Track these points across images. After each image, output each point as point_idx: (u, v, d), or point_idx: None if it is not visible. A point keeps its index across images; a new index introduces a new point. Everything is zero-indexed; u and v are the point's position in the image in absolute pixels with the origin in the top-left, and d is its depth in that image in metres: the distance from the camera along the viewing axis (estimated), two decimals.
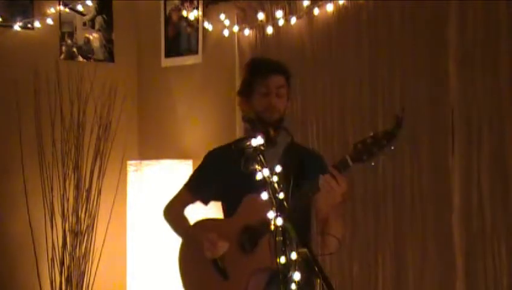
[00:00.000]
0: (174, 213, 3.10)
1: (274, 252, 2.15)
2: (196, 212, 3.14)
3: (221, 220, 3.00)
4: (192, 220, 3.06)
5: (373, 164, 2.50)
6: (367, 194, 3.72)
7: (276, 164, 2.24)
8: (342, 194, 2.53)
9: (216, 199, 3.06)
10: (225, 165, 2.89)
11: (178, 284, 4.48)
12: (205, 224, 2.99)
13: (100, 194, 4.60)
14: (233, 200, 2.85)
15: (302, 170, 2.75)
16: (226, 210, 3.01)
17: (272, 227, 2.16)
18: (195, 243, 2.89)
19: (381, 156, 2.48)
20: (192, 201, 3.07)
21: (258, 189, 2.20)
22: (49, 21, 4.68)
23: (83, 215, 4.54)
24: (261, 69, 2.90)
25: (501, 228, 3.29)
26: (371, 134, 2.48)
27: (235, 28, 4.41)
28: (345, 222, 2.80)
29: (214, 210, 3.17)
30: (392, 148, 2.46)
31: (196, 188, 3.05)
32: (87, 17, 4.89)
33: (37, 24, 4.64)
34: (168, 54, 4.87)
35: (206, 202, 3.07)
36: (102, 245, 4.60)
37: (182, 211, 3.07)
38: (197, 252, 2.85)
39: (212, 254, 2.78)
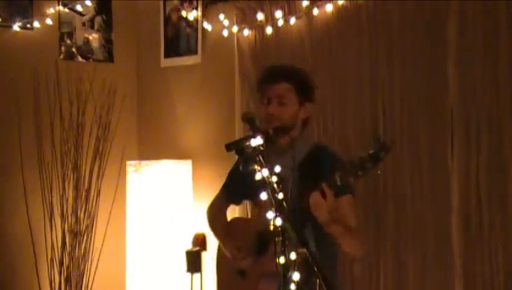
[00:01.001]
0: (212, 216, 3.25)
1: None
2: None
3: (248, 221, 3.14)
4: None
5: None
6: (367, 194, 3.71)
7: (276, 165, 2.24)
8: (328, 212, 2.52)
9: (247, 199, 3.18)
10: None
11: (177, 284, 4.50)
12: (236, 224, 3.15)
13: (99, 194, 4.60)
14: (257, 201, 2.88)
15: (318, 174, 2.75)
16: (257, 210, 3.06)
17: (272, 227, 2.16)
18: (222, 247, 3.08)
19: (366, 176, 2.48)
20: (227, 205, 3.24)
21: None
22: (49, 21, 4.68)
23: (82, 216, 4.54)
24: (263, 78, 2.92)
25: (499, 228, 3.29)
26: (360, 155, 2.47)
27: (235, 28, 4.41)
28: (354, 235, 2.76)
29: None
30: (379, 172, 2.46)
31: (228, 193, 3.19)
32: (86, 17, 4.89)
33: (36, 24, 4.64)
34: (168, 54, 4.87)
35: (237, 204, 3.27)
36: (102, 245, 4.60)
37: (219, 213, 3.22)
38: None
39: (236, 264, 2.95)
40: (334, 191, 2.52)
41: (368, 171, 2.42)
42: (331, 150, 3.02)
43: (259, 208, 2.89)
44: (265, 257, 2.76)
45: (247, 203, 3.47)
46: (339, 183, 2.50)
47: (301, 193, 2.56)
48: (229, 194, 3.17)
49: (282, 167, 2.28)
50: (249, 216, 3.59)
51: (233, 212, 3.33)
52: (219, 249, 3.15)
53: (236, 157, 3.02)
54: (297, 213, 2.52)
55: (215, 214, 3.23)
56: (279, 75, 2.89)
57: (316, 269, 2.06)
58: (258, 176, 2.23)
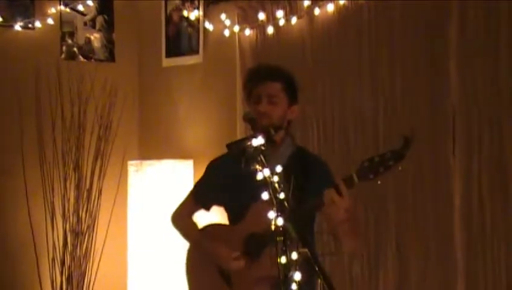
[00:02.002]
0: (181, 221, 3.12)
1: (276, 261, 2.15)
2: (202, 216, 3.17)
3: (228, 227, 3.00)
4: (200, 224, 3.10)
5: (379, 182, 2.49)
6: (368, 194, 3.71)
7: (277, 165, 2.24)
8: (346, 210, 2.51)
9: (219, 205, 3.07)
10: (227, 173, 2.90)
11: (178, 284, 4.49)
12: (213, 230, 3.02)
13: (101, 194, 4.60)
14: (237, 207, 2.86)
15: (306, 174, 2.75)
16: (229, 217, 3.02)
17: (273, 227, 2.16)
18: (204, 250, 2.94)
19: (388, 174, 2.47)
20: (197, 209, 3.10)
21: (261, 196, 2.21)
22: (50, 21, 4.68)
23: (83, 216, 4.54)
24: (253, 77, 2.91)
25: (501, 228, 3.29)
26: (380, 153, 2.47)
27: (236, 28, 4.41)
28: (356, 238, 2.77)
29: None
30: (400, 168, 2.45)
31: (200, 197, 3.07)
32: (87, 17, 4.89)
33: (37, 24, 4.64)
34: (169, 54, 4.87)
35: (208, 209, 3.09)
36: (103, 245, 4.60)
37: (189, 218, 3.10)
38: (204, 257, 2.91)
39: (227, 268, 2.83)
40: (351, 189, 2.50)
41: (390, 168, 2.43)
42: (314, 153, 3.07)
43: (239, 214, 2.86)
44: (258, 261, 2.73)
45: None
46: (356, 181, 2.50)
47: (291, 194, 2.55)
48: (200, 197, 3.06)
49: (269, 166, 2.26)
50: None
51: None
52: (190, 257, 3.06)
53: (211, 162, 3.05)
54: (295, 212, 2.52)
55: (184, 217, 3.10)
56: (270, 74, 2.88)
57: (317, 268, 2.06)
58: (259, 176, 2.23)
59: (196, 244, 3.04)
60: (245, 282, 2.78)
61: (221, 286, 2.85)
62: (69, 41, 4.83)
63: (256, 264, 2.75)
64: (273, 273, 2.50)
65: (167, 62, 4.89)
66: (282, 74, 2.89)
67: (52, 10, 4.70)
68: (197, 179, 4.53)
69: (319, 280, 2.05)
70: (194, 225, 3.08)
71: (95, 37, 4.94)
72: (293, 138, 2.93)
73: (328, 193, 2.51)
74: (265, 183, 2.20)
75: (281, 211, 2.15)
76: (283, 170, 2.66)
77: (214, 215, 3.15)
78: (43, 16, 4.66)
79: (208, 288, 2.97)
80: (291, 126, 2.93)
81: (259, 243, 2.72)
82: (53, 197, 4.50)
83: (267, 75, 2.87)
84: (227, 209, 3.02)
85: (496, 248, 3.29)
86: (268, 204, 2.18)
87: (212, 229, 3.03)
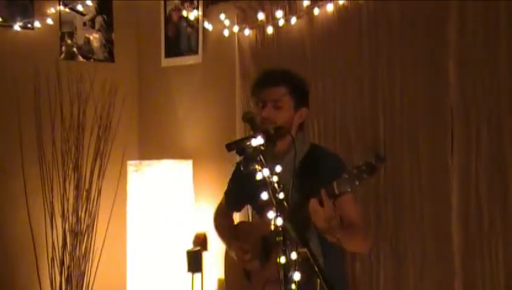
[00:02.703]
0: (218, 220, 3.27)
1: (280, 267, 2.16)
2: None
3: (252, 225, 3.15)
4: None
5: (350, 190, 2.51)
6: (367, 193, 3.71)
7: (277, 165, 2.24)
8: (325, 220, 2.51)
9: (246, 204, 3.22)
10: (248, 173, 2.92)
11: (178, 284, 4.50)
12: (241, 228, 3.15)
13: (100, 194, 4.60)
14: (257, 206, 2.90)
15: (317, 176, 2.75)
16: (256, 214, 3.10)
17: (272, 227, 2.16)
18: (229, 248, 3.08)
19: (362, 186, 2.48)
20: (230, 212, 3.26)
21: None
22: (49, 21, 4.68)
23: (83, 216, 4.54)
24: (257, 82, 2.93)
25: (499, 227, 3.29)
26: (357, 165, 2.46)
27: (235, 28, 4.41)
28: (354, 236, 2.78)
29: None
30: (372, 181, 2.47)
31: (229, 202, 3.22)
32: (87, 17, 4.89)
33: (37, 24, 4.65)
34: (168, 54, 4.87)
35: (238, 210, 3.28)
36: (102, 245, 4.60)
37: (225, 217, 3.23)
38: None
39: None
40: (332, 198, 2.51)
41: (365, 180, 2.43)
42: (327, 149, 3.06)
43: (260, 212, 2.90)
44: (270, 263, 2.76)
45: (248, 208, 3.47)
46: (337, 192, 2.50)
47: (306, 195, 2.55)
48: (229, 201, 3.20)
49: (283, 169, 2.27)
50: (251, 220, 3.60)
51: (235, 215, 3.33)
52: (227, 252, 3.15)
53: (235, 164, 3.07)
54: (303, 217, 2.53)
55: (220, 217, 3.25)
56: (275, 78, 2.88)
57: (316, 268, 2.06)
58: (258, 176, 2.23)
59: (225, 244, 3.14)
60: (259, 280, 2.85)
61: (242, 280, 2.97)
62: (69, 41, 4.83)
63: (268, 265, 2.79)
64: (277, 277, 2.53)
65: (166, 62, 4.90)
66: (287, 78, 2.89)
67: (52, 10, 4.71)
68: (197, 179, 4.59)
69: (319, 280, 2.05)
70: (229, 226, 3.19)
71: (95, 37, 4.94)
72: (306, 136, 2.94)
73: (312, 202, 2.52)
74: (265, 184, 2.21)
75: (280, 211, 2.15)
76: (298, 171, 2.68)
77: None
78: (43, 16, 4.67)
79: (236, 283, 3.09)
80: (303, 128, 2.97)
81: (269, 244, 2.74)
82: (52, 197, 4.50)
83: (271, 80, 2.88)
84: (253, 208, 3.14)
85: (493, 247, 3.29)
86: (263, 197, 2.20)
87: (241, 227, 3.17)
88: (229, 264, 3.13)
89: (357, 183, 2.44)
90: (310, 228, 2.67)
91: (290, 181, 2.56)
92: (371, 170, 2.42)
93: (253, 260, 2.87)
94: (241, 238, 3.01)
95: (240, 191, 3.03)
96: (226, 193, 3.22)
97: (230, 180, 3.17)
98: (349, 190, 2.47)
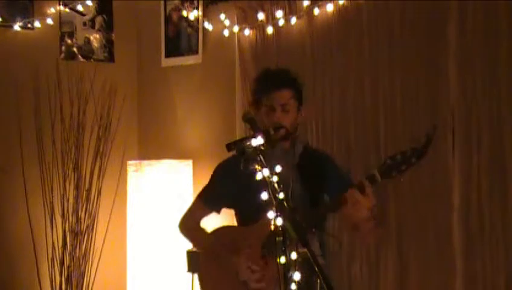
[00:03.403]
0: (189, 227, 3.11)
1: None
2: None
3: (242, 229, 3.00)
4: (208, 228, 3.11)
5: (402, 179, 2.51)
6: None
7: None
8: (369, 209, 2.52)
9: (230, 208, 3.08)
10: (236, 175, 2.90)
11: (178, 284, 4.50)
12: (226, 233, 3.01)
13: (100, 194, 4.60)
14: (249, 209, 2.85)
15: (317, 174, 2.75)
16: (240, 218, 3.03)
17: (272, 227, 2.16)
18: (219, 255, 2.93)
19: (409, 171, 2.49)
20: (207, 213, 3.10)
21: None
22: (49, 21, 4.68)
23: (83, 215, 4.54)
24: (266, 84, 2.90)
25: (500, 227, 3.29)
26: (401, 150, 2.49)
27: (235, 28, 4.41)
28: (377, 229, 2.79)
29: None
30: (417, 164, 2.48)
31: (210, 201, 3.07)
32: (87, 17, 4.89)
33: (37, 24, 4.64)
34: (168, 54, 4.87)
35: (218, 211, 3.09)
36: (102, 245, 4.60)
37: (197, 224, 3.09)
38: (218, 260, 2.92)
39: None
40: (373, 187, 2.52)
41: (412, 165, 2.44)
42: (317, 149, 3.12)
43: (248, 215, 2.87)
44: (275, 262, 2.74)
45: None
46: (379, 179, 2.51)
47: (310, 193, 2.56)
48: (212, 201, 3.06)
49: (283, 167, 2.27)
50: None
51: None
52: (202, 263, 3.07)
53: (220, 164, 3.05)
54: (307, 215, 2.52)
55: (193, 223, 3.09)
56: (281, 81, 2.88)
57: (316, 268, 2.06)
58: (258, 176, 2.23)
59: (209, 250, 3.03)
60: (267, 283, 2.78)
61: (240, 287, 2.85)
62: (69, 41, 4.83)
63: (271, 266, 2.75)
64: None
65: (166, 62, 4.89)
66: (290, 80, 2.90)
67: (52, 10, 4.70)
68: (197, 179, 4.58)
69: (318, 280, 2.05)
70: (203, 230, 3.08)
71: (95, 37, 4.94)
72: (303, 135, 2.94)
73: (351, 193, 2.52)
74: (265, 183, 2.21)
75: (280, 211, 2.15)
76: (298, 170, 2.67)
77: (220, 218, 3.15)
78: (43, 16, 4.66)
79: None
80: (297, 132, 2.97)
81: (272, 247, 2.72)
82: (52, 197, 4.49)
83: (278, 84, 2.87)
84: (238, 211, 3.03)
85: (494, 247, 3.29)
86: (263, 197, 2.19)
87: (225, 231, 3.03)
88: (211, 273, 3.00)
89: (404, 168, 2.46)
90: (323, 224, 2.68)
91: (290, 180, 2.57)
92: (419, 155, 2.46)
93: (261, 280, 2.77)
94: (224, 242, 2.92)
95: (226, 193, 2.99)
96: (207, 193, 3.10)
97: (216, 179, 3.08)
98: (394, 174, 2.48)
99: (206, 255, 3.07)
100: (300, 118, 2.91)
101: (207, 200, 3.08)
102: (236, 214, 3.05)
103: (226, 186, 3.00)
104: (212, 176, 3.10)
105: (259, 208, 2.76)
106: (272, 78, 2.93)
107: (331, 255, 2.84)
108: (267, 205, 2.70)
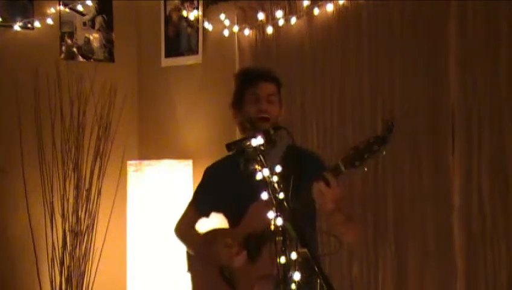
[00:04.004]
0: (184, 232, 3.14)
1: (275, 259, 2.15)
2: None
3: (228, 230, 3.01)
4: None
5: (365, 169, 2.50)
6: (367, 193, 3.71)
7: (276, 165, 2.24)
8: (334, 201, 2.51)
9: (217, 212, 3.07)
10: (224, 178, 2.92)
11: (178, 285, 4.50)
12: (214, 234, 3.02)
13: (100, 194, 4.60)
14: (235, 211, 2.87)
15: (302, 171, 2.75)
16: (229, 221, 3.03)
17: (272, 227, 2.16)
18: (205, 254, 2.93)
19: (373, 160, 2.47)
20: (198, 218, 3.11)
21: (259, 197, 2.20)
22: (49, 21, 4.68)
23: (83, 216, 4.54)
24: (250, 77, 2.93)
25: (501, 227, 3.29)
26: (363, 140, 2.48)
27: (235, 28, 4.41)
28: (355, 225, 2.78)
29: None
30: (384, 153, 2.45)
31: (199, 206, 3.09)
32: (87, 17, 4.89)
33: (37, 24, 4.64)
34: (168, 54, 4.87)
35: (208, 216, 3.10)
36: (102, 245, 4.60)
37: (191, 228, 3.11)
38: (205, 261, 2.92)
39: (229, 263, 2.82)
40: (338, 178, 2.51)
41: (375, 153, 2.43)
42: (306, 148, 3.11)
43: (237, 217, 2.87)
44: (258, 260, 2.74)
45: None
46: (343, 169, 2.50)
47: (294, 187, 2.55)
48: (199, 206, 3.08)
49: (270, 161, 2.27)
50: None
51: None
52: (192, 264, 3.09)
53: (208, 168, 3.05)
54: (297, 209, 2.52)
55: (187, 228, 3.12)
56: (266, 74, 2.92)
57: (316, 268, 2.06)
58: (259, 176, 2.23)
59: (198, 251, 3.05)
60: (246, 281, 2.79)
61: (224, 287, 2.86)
62: (69, 41, 4.83)
63: (256, 263, 2.76)
64: (273, 272, 2.52)
65: (166, 62, 4.89)
66: (274, 76, 2.94)
67: (52, 10, 4.70)
68: (197, 179, 4.57)
69: (318, 280, 2.05)
70: (197, 234, 3.09)
71: (94, 37, 4.94)
72: (288, 132, 2.92)
73: (316, 185, 2.51)
74: (265, 183, 2.20)
75: (280, 211, 2.15)
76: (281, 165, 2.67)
77: (217, 221, 3.15)
78: (43, 16, 4.66)
79: None
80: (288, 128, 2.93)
81: (257, 243, 2.73)
82: (52, 197, 4.49)
83: (264, 76, 2.90)
84: (226, 214, 3.02)
85: (495, 247, 3.29)
86: (266, 204, 2.18)
87: (213, 233, 3.04)
88: (200, 275, 3.04)
89: (366, 156, 2.44)
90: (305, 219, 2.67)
91: (289, 179, 2.56)
92: (380, 142, 2.43)
93: (240, 252, 2.76)
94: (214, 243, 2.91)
95: (214, 196, 3.00)
96: (196, 198, 3.12)
97: (204, 183, 3.09)
98: (357, 164, 2.47)
99: (196, 257, 3.08)
100: (280, 116, 2.90)
101: (197, 205, 3.10)
102: (225, 218, 3.05)
103: (212, 189, 3.01)
104: (201, 180, 3.12)
105: (245, 209, 2.80)
106: (257, 71, 2.98)
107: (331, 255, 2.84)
108: (250, 205, 2.75)
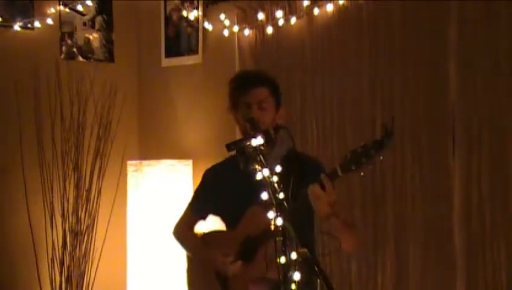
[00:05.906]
0: (182, 234, 3.15)
1: (271, 262, 2.15)
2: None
3: (225, 232, 3.02)
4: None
5: (362, 173, 2.49)
6: (367, 194, 3.72)
7: (276, 165, 2.25)
8: (329, 204, 2.50)
9: (214, 214, 3.07)
10: (222, 180, 2.92)
11: (177, 285, 4.49)
12: (211, 237, 3.04)
13: (100, 194, 4.60)
14: (233, 213, 2.87)
15: (302, 177, 2.75)
16: (226, 223, 3.03)
17: (272, 227, 2.16)
18: (202, 258, 2.96)
19: (371, 165, 2.45)
20: (196, 221, 3.12)
21: (259, 198, 2.20)
22: (49, 21, 4.68)
23: (83, 215, 4.54)
24: (241, 83, 2.89)
25: (501, 227, 3.29)
26: (362, 144, 2.47)
27: (235, 28, 4.41)
28: (352, 230, 2.76)
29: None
30: (381, 158, 2.44)
31: (197, 209, 3.10)
32: (87, 17, 4.89)
33: (37, 24, 4.64)
34: (168, 54, 4.87)
35: (204, 219, 3.11)
36: (102, 245, 4.60)
37: (189, 230, 3.12)
38: (202, 263, 2.95)
39: (224, 272, 2.83)
40: (334, 182, 2.50)
41: (372, 158, 2.42)
42: (308, 154, 3.10)
43: (234, 220, 2.88)
44: (253, 263, 2.75)
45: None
46: (340, 174, 2.50)
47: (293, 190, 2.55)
48: (197, 208, 3.09)
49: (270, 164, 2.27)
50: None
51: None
52: (189, 266, 3.10)
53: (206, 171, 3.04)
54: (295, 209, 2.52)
55: (185, 231, 3.13)
56: (257, 79, 2.88)
57: (316, 269, 2.06)
58: (258, 176, 2.23)
59: (195, 254, 3.06)
60: (241, 284, 2.80)
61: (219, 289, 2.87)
62: (69, 41, 4.83)
63: (252, 265, 2.76)
64: (268, 274, 2.53)
65: (166, 62, 4.89)
66: (268, 79, 2.89)
67: (52, 10, 4.70)
68: (197, 179, 4.57)
69: (318, 280, 2.05)
70: (195, 236, 3.10)
71: (94, 37, 4.94)
72: (289, 134, 2.91)
73: (311, 188, 2.51)
74: (265, 184, 2.20)
75: (280, 211, 2.15)
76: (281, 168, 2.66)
77: (215, 223, 3.15)
78: (43, 16, 4.66)
79: None
80: (288, 129, 2.93)
81: (253, 246, 2.73)
82: (52, 197, 4.49)
83: (255, 81, 2.86)
84: (223, 217, 3.03)
85: (495, 248, 3.29)
86: (265, 206, 2.18)
87: (211, 236, 3.05)
88: (196, 278, 3.06)
89: (363, 160, 2.43)
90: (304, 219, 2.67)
91: (289, 181, 2.56)
92: (378, 146, 2.41)
93: (236, 261, 2.79)
94: (215, 246, 2.93)
95: (211, 199, 3.00)
96: (194, 200, 3.13)
97: (202, 186, 3.10)
98: (354, 168, 2.46)
99: (192, 258, 3.09)
100: (279, 119, 2.87)
101: (193, 208, 3.11)
102: (222, 220, 3.05)
103: (210, 192, 3.02)
104: (200, 183, 3.12)
105: (243, 211, 2.80)
106: (247, 77, 2.94)
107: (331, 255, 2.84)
108: (248, 208, 2.75)
